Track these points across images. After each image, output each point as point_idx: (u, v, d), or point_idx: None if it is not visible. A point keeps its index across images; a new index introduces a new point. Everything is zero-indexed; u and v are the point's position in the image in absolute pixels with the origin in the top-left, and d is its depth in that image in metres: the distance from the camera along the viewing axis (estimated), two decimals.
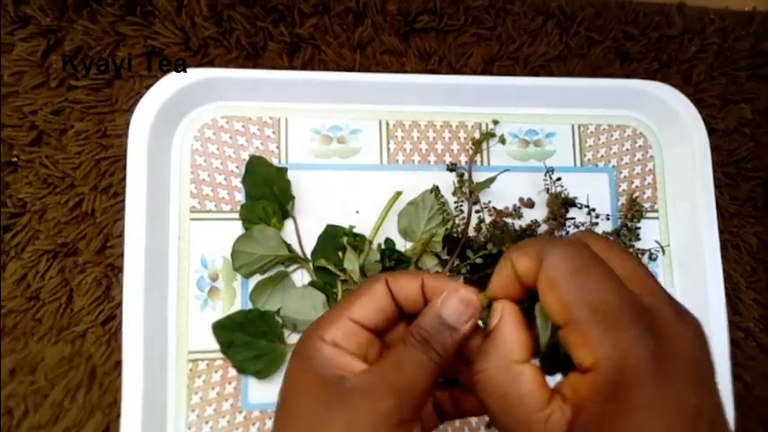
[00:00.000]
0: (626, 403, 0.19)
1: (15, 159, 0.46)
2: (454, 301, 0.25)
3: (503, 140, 0.50)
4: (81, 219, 0.46)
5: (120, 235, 0.45)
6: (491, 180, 0.48)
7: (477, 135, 0.50)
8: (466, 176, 0.48)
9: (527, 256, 0.24)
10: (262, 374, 0.43)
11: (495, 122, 0.50)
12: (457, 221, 0.48)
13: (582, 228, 0.49)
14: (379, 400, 0.24)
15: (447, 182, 0.48)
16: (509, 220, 0.49)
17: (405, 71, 0.51)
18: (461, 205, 0.48)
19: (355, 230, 0.46)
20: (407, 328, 0.27)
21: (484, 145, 0.50)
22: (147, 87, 0.44)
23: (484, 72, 0.52)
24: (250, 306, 0.45)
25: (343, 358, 0.25)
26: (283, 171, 0.46)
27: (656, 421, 0.19)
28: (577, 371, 0.22)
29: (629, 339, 0.20)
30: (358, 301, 0.27)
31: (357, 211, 0.47)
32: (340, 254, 0.45)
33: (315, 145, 0.48)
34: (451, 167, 0.49)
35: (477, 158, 0.50)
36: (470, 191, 0.48)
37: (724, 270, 0.48)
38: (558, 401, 0.22)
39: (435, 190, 0.47)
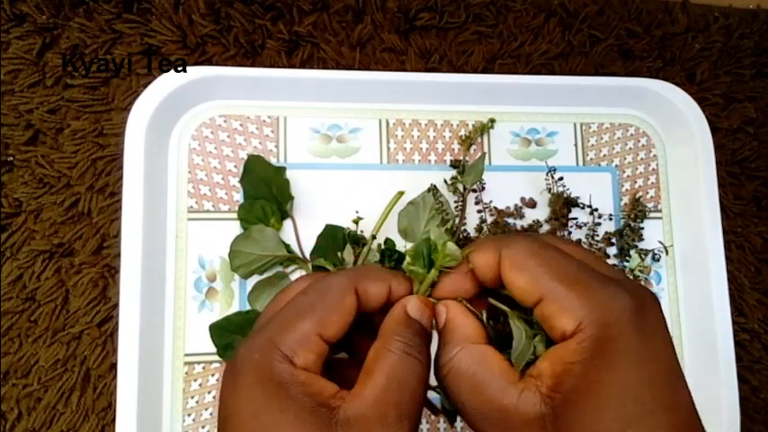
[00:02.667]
0: (612, 356, 0.20)
1: (11, 159, 0.45)
2: (415, 301, 0.26)
3: (491, 125, 0.48)
4: (77, 219, 0.45)
5: (117, 235, 0.44)
6: (480, 171, 0.46)
7: None
8: (457, 174, 0.47)
9: (484, 251, 0.25)
10: None
11: (492, 121, 0.49)
12: (458, 222, 0.47)
13: (584, 228, 0.49)
14: (386, 418, 0.22)
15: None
16: (510, 221, 0.48)
17: (405, 69, 0.50)
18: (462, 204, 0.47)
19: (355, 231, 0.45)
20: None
21: (485, 144, 0.49)
22: (145, 86, 0.44)
23: (485, 70, 0.51)
24: (248, 307, 0.44)
25: (318, 383, 0.23)
26: (282, 170, 0.45)
27: (640, 372, 0.20)
28: (556, 343, 0.23)
29: (606, 296, 0.21)
30: (331, 318, 0.24)
31: (357, 211, 0.47)
32: (339, 254, 0.45)
33: (314, 144, 0.47)
34: (455, 164, 0.48)
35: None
36: (464, 186, 0.47)
37: (728, 271, 0.47)
38: (530, 380, 0.23)
39: (433, 189, 0.46)
